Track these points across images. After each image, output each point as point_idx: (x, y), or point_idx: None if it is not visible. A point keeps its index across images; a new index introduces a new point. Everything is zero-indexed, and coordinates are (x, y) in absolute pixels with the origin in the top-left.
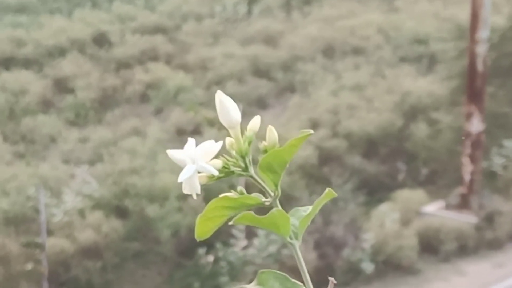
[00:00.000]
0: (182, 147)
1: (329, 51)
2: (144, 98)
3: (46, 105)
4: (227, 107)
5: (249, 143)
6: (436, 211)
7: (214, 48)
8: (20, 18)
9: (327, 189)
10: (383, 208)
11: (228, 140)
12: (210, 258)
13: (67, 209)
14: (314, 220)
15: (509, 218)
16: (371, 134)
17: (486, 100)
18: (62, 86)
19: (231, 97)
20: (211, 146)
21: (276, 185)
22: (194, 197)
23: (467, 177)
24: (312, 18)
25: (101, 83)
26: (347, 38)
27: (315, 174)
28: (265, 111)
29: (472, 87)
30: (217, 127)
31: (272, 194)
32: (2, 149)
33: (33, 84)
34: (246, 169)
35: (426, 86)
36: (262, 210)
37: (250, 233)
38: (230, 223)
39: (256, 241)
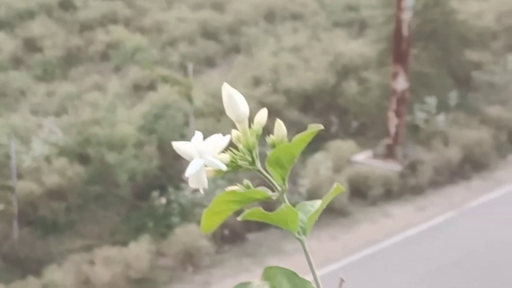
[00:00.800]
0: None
1: (270, 16)
2: (104, 57)
3: (17, 63)
4: (235, 101)
5: (257, 136)
6: (365, 160)
7: (168, 12)
8: None
9: (335, 184)
10: (318, 157)
11: (234, 133)
12: (163, 200)
13: (35, 155)
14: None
15: (430, 166)
16: (308, 90)
17: (410, 61)
18: (31, 45)
19: (182, 57)
20: (219, 140)
21: (283, 180)
22: (202, 191)
23: (392, 129)
24: None
25: (66, 43)
26: (287, 5)
27: None
28: (213, 69)
29: (398, 50)
30: (169, 84)
31: (280, 188)
32: None
33: (5, 43)
34: (253, 163)
35: (357, 48)
36: (266, 203)
37: None
38: (238, 218)
39: None
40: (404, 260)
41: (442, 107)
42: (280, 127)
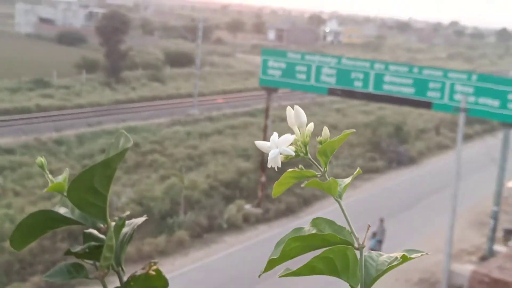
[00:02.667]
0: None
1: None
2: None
3: None
4: (300, 114)
5: (309, 137)
6: (248, 208)
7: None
8: None
9: (358, 169)
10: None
11: (294, 135)
12: (170, 220)
13: (122, 202)
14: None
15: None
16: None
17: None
18: None
19: None
20: (289, 137)
21: (326, 164)
22: (276, 169)
23: (260, 194)
24: None
25: None
26: None
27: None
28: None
29: (262, 166)
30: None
31: (322, 170)
32: None
33: None
34: (306, 153)
35: (246, 165)
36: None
37: None
38: (302, 185)
39: None
40: None
41: None
42: (326, 131)
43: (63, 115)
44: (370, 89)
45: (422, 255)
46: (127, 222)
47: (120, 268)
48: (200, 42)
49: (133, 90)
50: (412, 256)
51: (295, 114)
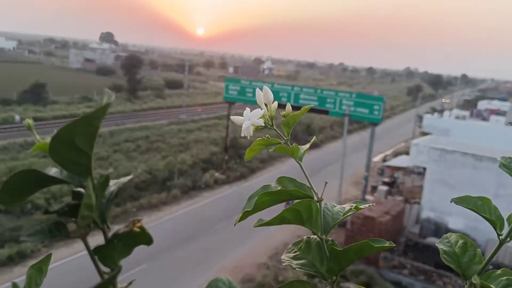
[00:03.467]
0: None
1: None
2: None
3: None
4: (268, 94)
5: (274, 112)
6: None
7: None
8: None
9: (314, 138)
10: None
11: (263, 110)
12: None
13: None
14: (191, 174)
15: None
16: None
17: (228, 151)
18: None
19: None
20: (259, 111)
21: (288, 134)
22: (248, 137)
23: (224, 165)
24: None
25: None
26: None
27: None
28: None
29: (225, 148)
30: None
31: (285, 138)
32: None
33: None
34: (272, 125)
35: (214, 149)
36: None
37: None
38: (270, 150)
39: None
40: None
41: None
42: (288, 106)
43: None
44: (291, 102)
45: (369, 205)
46: (114, 181)
47: (105, 226)
48: (186, 74)
49: (145, 103)
50: (361, 206)
51: (264, 93)
